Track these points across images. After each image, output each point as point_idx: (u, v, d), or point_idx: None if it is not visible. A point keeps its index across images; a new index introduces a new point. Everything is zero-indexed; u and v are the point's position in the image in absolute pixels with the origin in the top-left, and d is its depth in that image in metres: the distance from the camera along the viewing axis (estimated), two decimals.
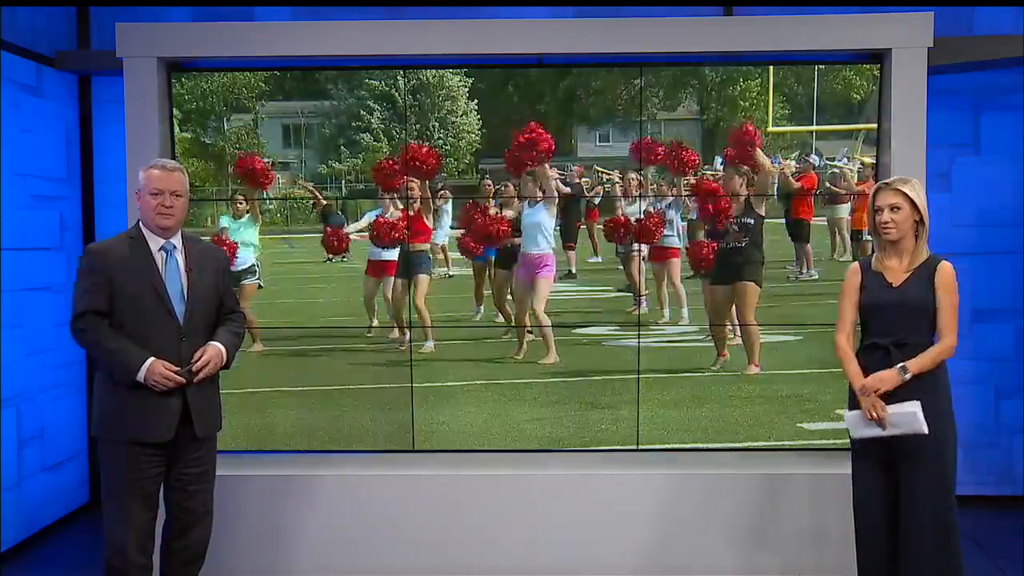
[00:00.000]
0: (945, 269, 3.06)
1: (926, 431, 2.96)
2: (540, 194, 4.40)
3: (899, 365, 3.00)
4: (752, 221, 4.31)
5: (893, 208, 3.04)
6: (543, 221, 4.45)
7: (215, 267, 3.22)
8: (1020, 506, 4.71)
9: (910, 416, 2.97)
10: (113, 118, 4.38)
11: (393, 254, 4.53)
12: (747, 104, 4.35)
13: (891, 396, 3.01)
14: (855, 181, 4.38)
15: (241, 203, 4.47)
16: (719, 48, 4.06)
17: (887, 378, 3.01)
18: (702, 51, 4.10)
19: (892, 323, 3.06)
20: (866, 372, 3.10)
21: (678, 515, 4.00)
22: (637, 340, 4.42)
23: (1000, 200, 4.69)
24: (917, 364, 2.99)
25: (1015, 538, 4.33)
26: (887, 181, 3.13)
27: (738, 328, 4.40)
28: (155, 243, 3.07)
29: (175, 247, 3.10)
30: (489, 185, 4.50)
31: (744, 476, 4.02)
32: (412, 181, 4.36)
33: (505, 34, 4.04)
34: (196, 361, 3.04)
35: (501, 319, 4.63)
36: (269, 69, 4.32)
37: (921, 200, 3.06)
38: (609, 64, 4.29)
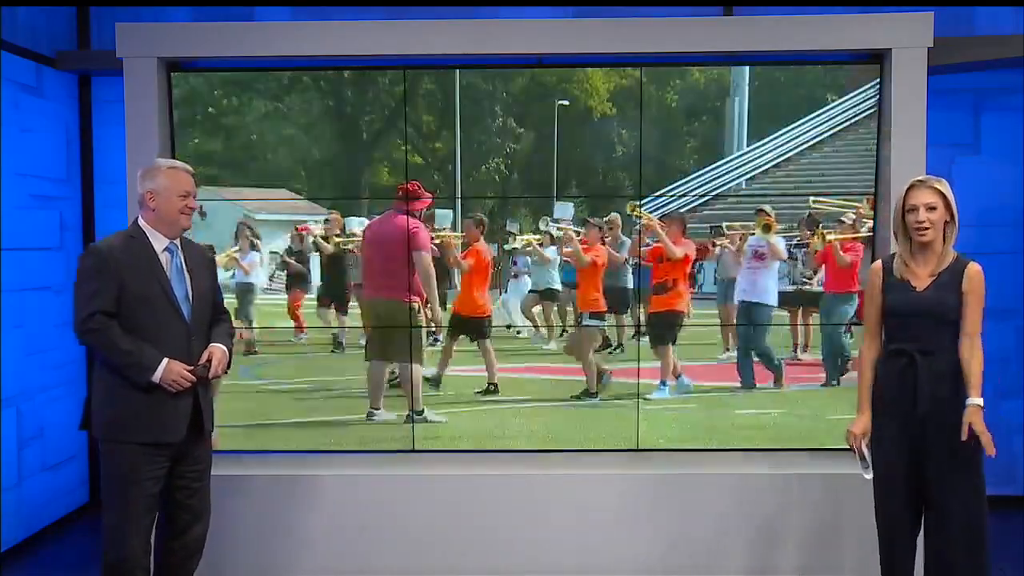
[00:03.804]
0: (974, 271, 2.97)
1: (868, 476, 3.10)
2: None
3: (969, 402, 2.93)
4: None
5: (929, 207, 2.95)
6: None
7: (208, 267, 3.25)
8: (1020, 506, 4.72)
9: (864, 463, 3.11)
10: (113, 118, 4.38)
11: None
12: None
13: (915, 408, 2.98)
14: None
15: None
16: (719, 48, 4.06)
17: (858, 429, 3.11)
18: (702, 51, 4.09)
19: (917, 329, 2.97)
20: (888, 380, 3.05)
21: (688, 515, 4.01)
22: (637, 339, 4.44)
23: (1000, 200, 4.69)
24: (977, 389, 2.93)
25: (1015, 538, 4.33)
26: (921, 179, 3.01)
27: None
28: (159, 243, 3.06)
29: (177, 247, 3.11)
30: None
31: (756, 476, 4.03)
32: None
33: (505, 34, 4.04)
34: (207, 361, 3.07)
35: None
36: (269, 69, 4.31)
37: (953, 199, 2.98)
38: (609, 64, 4.29)
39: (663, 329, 4.47)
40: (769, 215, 4.36)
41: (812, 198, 4.35)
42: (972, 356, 2.95)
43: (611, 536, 4.01)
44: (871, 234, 4.21)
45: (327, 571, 4.03)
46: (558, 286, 4.69)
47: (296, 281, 4.64)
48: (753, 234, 4.43)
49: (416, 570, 4.02)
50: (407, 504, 4.05)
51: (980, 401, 2.92)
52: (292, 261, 4.63)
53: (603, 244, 4.51)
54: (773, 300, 4.50)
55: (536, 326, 4.81)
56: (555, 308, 4.76)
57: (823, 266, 4.48)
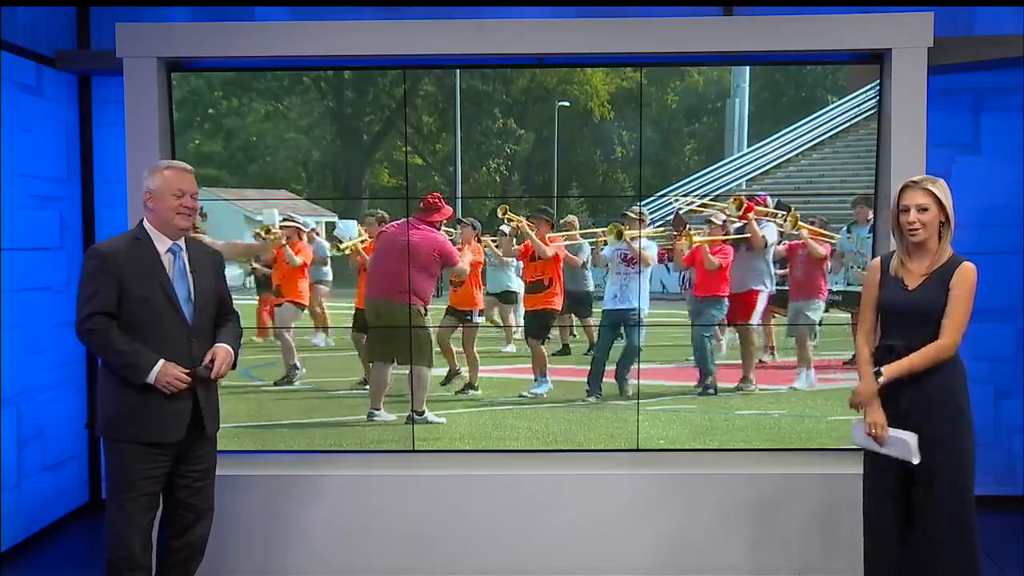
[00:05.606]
0: (964, 270, 2.95)
1: (916, 462, 2.91)
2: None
3: (874, 370, 2.95)
4: None
5: (920, 208, 2.94)
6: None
7: (214, 267, 3.24)
8: (1020, 506, 4.72)
9: (903, 444, 2.93)
10: (113, 118, 4.39)
11: None
12: None
13: (898, 403, 2.96)
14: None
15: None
16: (719, 48, 4.06)
17: (863, 390, 3.00)
18: (702, 51, 4.08)
19: (905, 326, 2.96)
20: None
21: (688, 515, 4.01)
22: (637, 338, 4.44)
23: (1000, 200, 4.68)
24: (896, 368, 2.90)
25: (1015, 538, 4.33)
26: (914, 180, 3.00)
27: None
28: (163, 244, 3.07)
29: (181, 248, 3.11)
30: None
31: (756, 476, 4.02)
32: None
33: (505, 34, 4.04)
34: (210, 361, 3.07)
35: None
36: (269, 69, 4.32)
37: (948, 200, 2.96)
38: (609, 64, 4.29)
39: (537, 327, 4.54)
40: (623, 224, 4.32)
41: (685, 200, 4.36)
42: (928, 348, 2.91)
43: (611, 536, 4.01)
44: (743, 236, 4.20)
45: (327, 571, 4.03)
46: (516, 288, 4.69)
47: (266, 285, 4.66)
48: (607, 243, 4.38)
49: (416, 570, 4.03)
50: (407, 504, 4.05)
51: (883, 374, 2.92)
52: (259, 266, 4.63)
53: None
54: (643, 305, 4.47)
55: (499, 326, 4.85)
56: (512, 310, 4.80)
57: (692, 268, 4.46)
